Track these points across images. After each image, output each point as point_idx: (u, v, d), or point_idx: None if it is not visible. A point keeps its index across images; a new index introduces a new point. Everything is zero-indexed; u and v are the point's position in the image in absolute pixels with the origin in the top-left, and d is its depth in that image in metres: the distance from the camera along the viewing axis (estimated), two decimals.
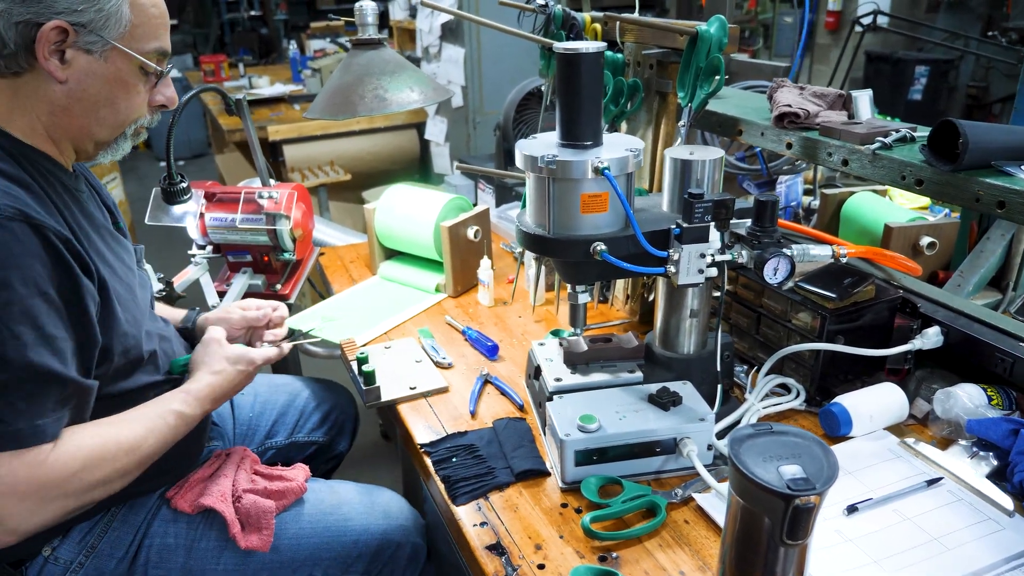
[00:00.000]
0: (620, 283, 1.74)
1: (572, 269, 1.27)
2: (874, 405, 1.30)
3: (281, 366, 2.11)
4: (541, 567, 1.05)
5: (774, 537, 0.79)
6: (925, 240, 1.65)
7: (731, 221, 1.17)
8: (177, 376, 1.31)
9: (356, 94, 1.45)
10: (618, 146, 1.19)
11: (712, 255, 1.18)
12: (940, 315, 1.40)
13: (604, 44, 1.15)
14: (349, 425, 1.78)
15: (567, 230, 1.19)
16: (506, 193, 2.55)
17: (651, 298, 1.66)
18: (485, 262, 1.79)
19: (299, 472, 1.33)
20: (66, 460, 1.04)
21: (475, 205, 1.94)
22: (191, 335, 1.48)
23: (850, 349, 1.32)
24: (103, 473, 1.08)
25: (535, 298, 1.60)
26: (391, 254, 2.03)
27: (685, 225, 1.15)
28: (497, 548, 1.09)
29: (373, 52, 1.50)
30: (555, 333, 1.63)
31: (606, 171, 1.11)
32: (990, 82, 6.38)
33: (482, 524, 1.14)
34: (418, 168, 4.36)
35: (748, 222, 1.22)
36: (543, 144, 1.22)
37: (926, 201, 2.13)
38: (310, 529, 1.30)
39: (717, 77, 1.32)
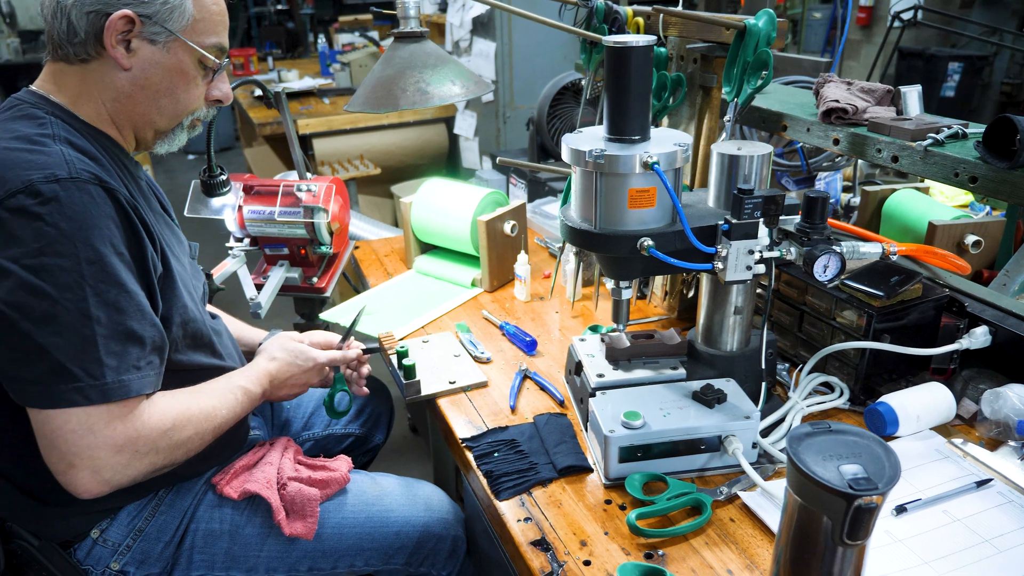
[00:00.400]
0: (659, 279, 1.73)
1: (617, 264, 1.26)
2: (921, 405, 1.28)
3: None
4: (587, 563, 1.05)
5: (833, 537, 0.78)
6: (970, 238, 1.62)
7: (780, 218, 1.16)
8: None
9: (398, 87, 1.45)
10: (666, 141, 1.18)
11: (760, 252, 1.17)
12: (987, 314, 1.38)
13: (654, 38, 1.14)
14: (385, 417, 1.80)
15: (613, 225, 1.18)
16: (539, 188, 2.54)
17: (690, 295, 1.65)
18: (522, 257, 1.78)
19: (342, 463, 1.35)
20: (159, 417, 1.10)
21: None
22: None
23: (897, 348, 1.31)
24: (187, 434, 1.14)
25: (574, 294, 1.59)
26: (426, 248, 2.03)
27: (734, 221, 1.14)
28: (542, 544, 1.09)
29: (415, 45, 1.49)
30: (593, 329, 1.62)
31: (656, 166, 1.11)
32: None
33: (526, 519, 1.14)
34: (446, 162, 4.36)
35: (794, 219, 1.21)
36: (589, 138, 1.21)
37: (967, 199, 2.10)
38: (352, 519, 1.31)
39: (765, 72, 1.30)
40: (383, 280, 1.97)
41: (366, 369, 1.52)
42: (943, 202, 2.02)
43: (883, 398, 1.29)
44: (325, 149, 3.97)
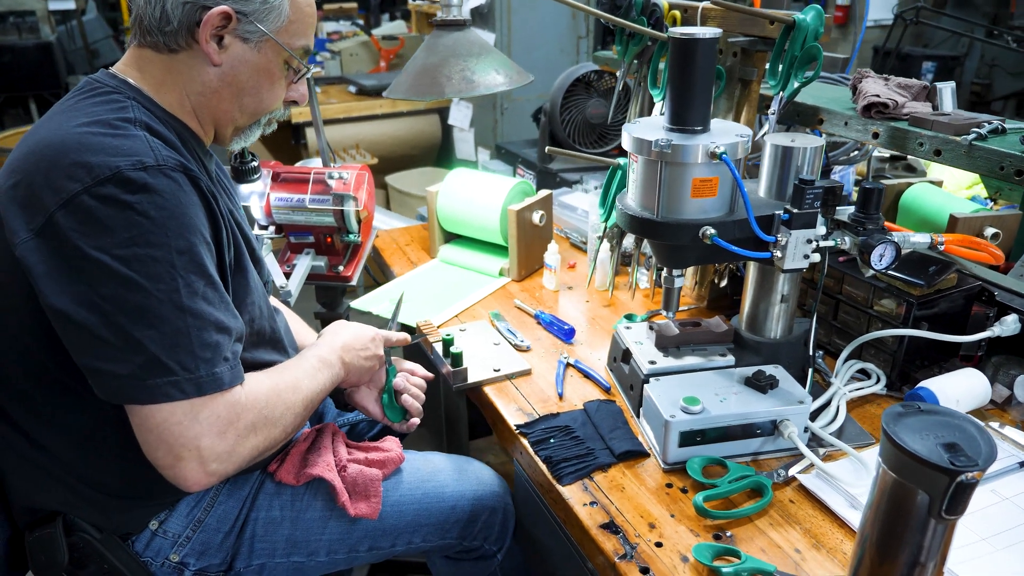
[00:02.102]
0: (689, 269, 1.76)
1: (672, 253, 1.28)
2: (959, 390, 1.33)
3: None
4: (659, 545, 1.07)
5: (931, 512, 0.81)
6: (989, 231, 1.67)
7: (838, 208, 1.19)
8: None
9: (443, 75, 1.45)
10: (727, 132, 1.21)
11: (817, 241, 1.20)
12: (1016, 303, 1.43)
13: (720, 30, 1.16)
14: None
15: (675, 214, 1.21)
16: (549, 179, 2.55)
17: (721, 284, 1.68)
18: (553, 246, 1.80)
19: (392, 443, 1.36)
20: (254, 398, 1.09)
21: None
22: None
23: (937, 335, 1.35)
24: (279, 410, 1.13)
25: (611, 283, 1.61)
26: (449, 237, 2.03)
27: (795, 211, 1.17)
28: (611, 527, 1.11)
29: (458, 33, 1.49)
30: (629, 317, 1.64)
31: (724, 156, 1.13)
32: (993, 79, 6.46)
33: (592, 503, 1.16)
34: (438, 153, 4.35)
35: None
36: (650, 128, 1.23)
37: (968, 193, 2.18)
38: (410, 496, 1.33)
39: (814, 66, 1.33)
40: (408, 269, 1.96)
41: (421, 380, 1.45)
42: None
43: (923, 383, 1.33)
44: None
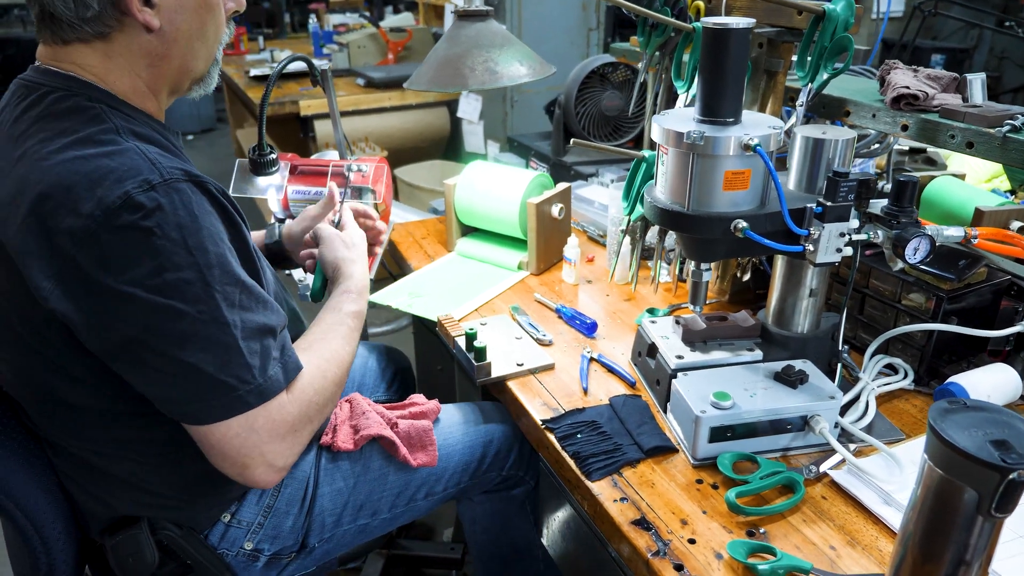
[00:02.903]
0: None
1: (701, 246, 1.27)
2: (991, 385, 1.31)
3: None
4: (692, 542, 1.06)
5: (980, 510, 0.80)
6: (1016, 224, 1.66)
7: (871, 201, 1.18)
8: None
9: (466, 66, 1.43)
10: (759, 124, 1.19)
11: (850, 234, 1.19)
12: None
13: (753, 20, 1.14)
14: (411, 386, 1.89)
15: (706, 207, 1.19)
16: (563, 172, 2.54)
17: (745, 278, 1.67)
18: (572, 240, 1.78)
19: (420, 397, 1.43)
20: (303, 389, 1.08)
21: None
22: (280, 249, 1.57)
23: (968, 330, 1.34)
24: (327, 392, 1.13)
25: (634, 277, 1.60)
26: (466, 231, 2.02)
27: (829, 204, 1.16)
28: (643, 523, 1.10)
29: (481, 24, 1.48)
30: (651, 312, 1.63)
31: (758, 148, 1.11)
32: (1003, 72, 6.43)
33: (622, 499, 1.15)
34: (447, 146, 4.33)
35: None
36: (679, 119, 1.21)
37: (988, 186, 2.16)
38: (452, 439, 1.42)
39: (844, 57, 1.32)
40: (425, 263, 1.95)
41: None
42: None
43: (953, 378, 1.32)
44: (327, 131, 3.91)
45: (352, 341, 1.22)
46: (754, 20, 1.15)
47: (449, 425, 1.46)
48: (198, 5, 1.05)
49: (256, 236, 1.55)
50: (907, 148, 2.19)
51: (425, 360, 2.34)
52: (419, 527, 2.44)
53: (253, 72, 4.32)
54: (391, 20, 5.28)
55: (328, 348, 1.17)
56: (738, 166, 1.16)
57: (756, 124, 1.19)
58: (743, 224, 1.16)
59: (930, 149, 2.17)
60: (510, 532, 1.59)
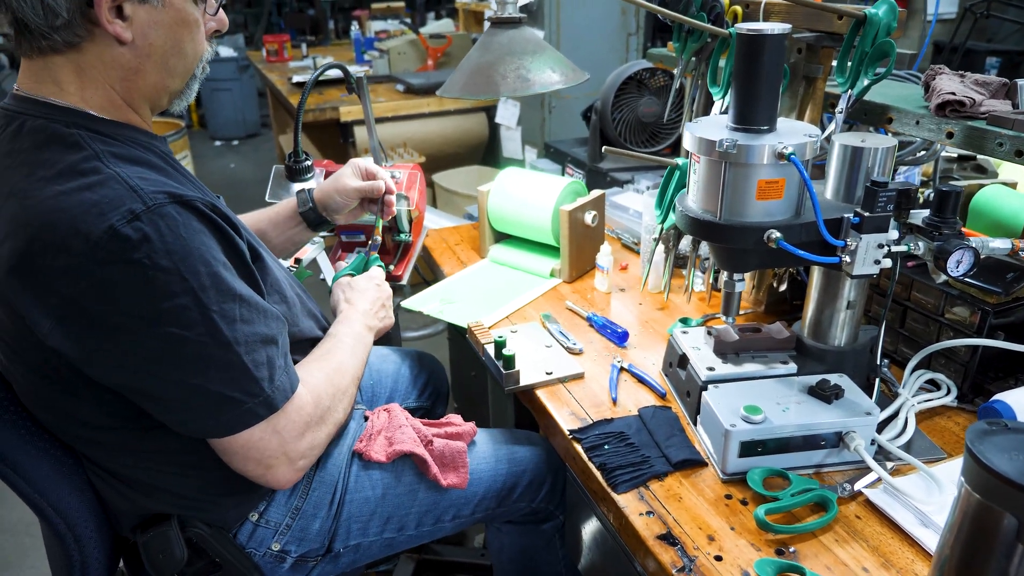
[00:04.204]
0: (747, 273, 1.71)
1: (733, 256, 1.24)
2: None
3: (383, 338, 2.15)
4: (719, 559, 1.04)
5: (1021, 538, 0.76)
6: None
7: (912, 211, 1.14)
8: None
9: (498, 73, 1.43)
10: (794, 132, 1.16)
11: (889, 246, 1.15)
12: None
13: (788, 26, 1.12)
14: (443, 393, 1.89)
15: (738, 216, 1.17)
16: (599, 179, 2.52)
17: (781, 288, 1.63)
18: (605, 247, 1.77)
19: (457, 418, 1.42)
20: (315, 393, 1.15)
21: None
22: (316, 215, 1.60)
23: (1015, 346, 1.28)
24: (337, 396, 1.20)
25: (666, 286, 1.57)
26: (499, 237, 2.02)
27: (866, 214, 1.12)
28: (668, 538, 1.08)
29: (514, 31, 1.47)
30: (684, 321, 1.60)
31: (792, 157, 1.08)
32: None
33: (648, 513, 1.13)
34: (485, 152, 4.34)
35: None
36: (712, 127, 1.19)
37: None
38: (485, 464, 1.41)
39: (886, 63, 1.28)
40: (457, 269, 1.95)
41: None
42: None
43: (999, 396, 1.27)
44: (366, 137, 3.94)
45: (355, 356, 1.30)
46: (789, 26, 1.12)
47: (484, 449, 1.44)
48: (174, 22, 1.03)
49: (286, 204, 1.60)
50: (955, 155, 2.12)
51: (459, 365, 2.34)
52: None
53: (295, 79, 4.39)
54: (432, 26, 5.33)
55: (333, 360, 1.25)
56: (772, 175, 1.13)
57: (791, 132, 1.16)
58: (776, 234, 1.13)
59: (979, 157, 2.10)
60: (539, 568, 1.57)
